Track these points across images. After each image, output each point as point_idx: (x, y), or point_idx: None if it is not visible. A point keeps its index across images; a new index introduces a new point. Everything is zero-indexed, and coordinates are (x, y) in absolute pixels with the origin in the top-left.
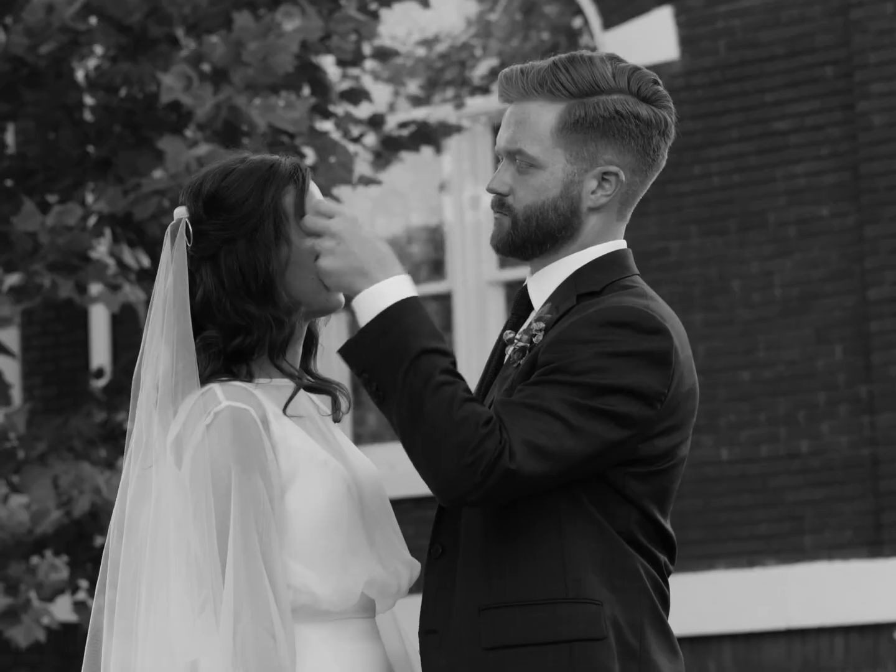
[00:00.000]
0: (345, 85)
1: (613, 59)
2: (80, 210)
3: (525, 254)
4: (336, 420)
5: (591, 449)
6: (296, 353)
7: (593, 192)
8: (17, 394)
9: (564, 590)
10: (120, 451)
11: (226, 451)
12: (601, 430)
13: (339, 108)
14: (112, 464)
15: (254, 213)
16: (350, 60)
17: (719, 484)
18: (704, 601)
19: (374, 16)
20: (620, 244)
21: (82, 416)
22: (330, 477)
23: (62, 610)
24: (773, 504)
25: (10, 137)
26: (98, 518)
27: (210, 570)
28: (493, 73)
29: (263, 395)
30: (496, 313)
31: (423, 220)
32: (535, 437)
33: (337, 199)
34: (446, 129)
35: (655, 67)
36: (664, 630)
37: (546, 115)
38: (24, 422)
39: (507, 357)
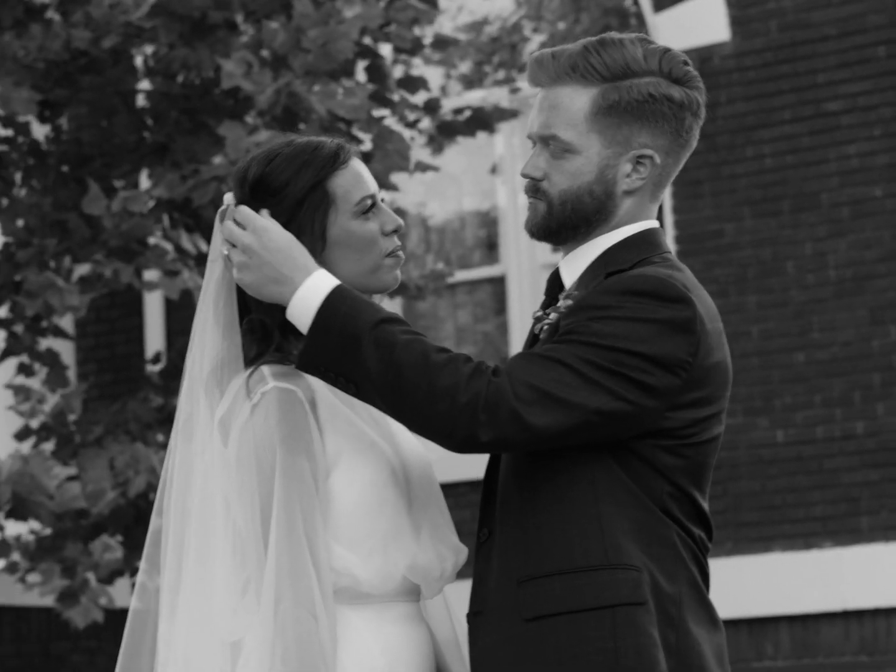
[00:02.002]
0: (399, 71)
1: (644, 40)
2: (147, 197)
3: (560, 238)
4: None
5: (608, 406)
6: None
7: (628, 176)
8: (72, 378)
9: (604, 556)
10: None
11: (271, 432)
12: (618, 388)
13: (396, 95)
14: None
15: (297, 196)
16: (409, 49)
17: (775, 466)
18: (761, 583)
19: (434, 4)
20: (651, 223)
21: (139, 400)
22: (376, 459)
23: (120, 594)
24: (829, 486)
25: (64, 121)
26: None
27: (253, 549)
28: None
29: (312, 376)
30: None
31: (476, 204)
32: (544, 384)
33: (394, 187)
34: (501, 114)
35: (707, 49)
36: (703, 601)
37: (579, 99)
38: (81, 402)
39: (538, 335)
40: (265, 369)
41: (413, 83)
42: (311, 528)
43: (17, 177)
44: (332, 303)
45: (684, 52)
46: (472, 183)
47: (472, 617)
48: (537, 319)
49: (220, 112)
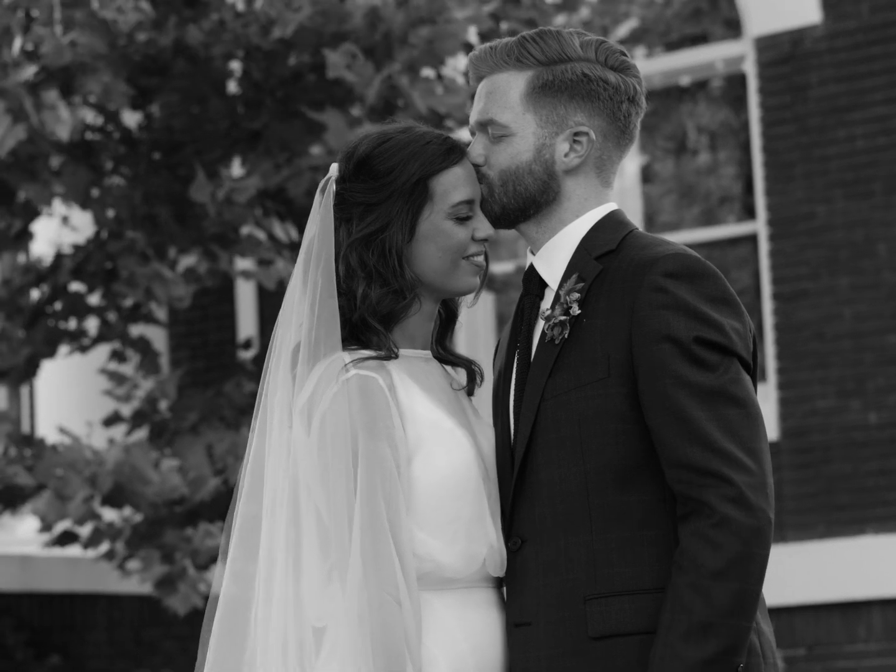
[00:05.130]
0: None
1: (581, 33)
2: (255, 187)
3: (509, 220)
4: (470, 393)
5: (752, 408)
6: (423, 327)
7: (566, 155)
8: (165, 366)
9: None
10: None
11: (353, 418)
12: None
13: None
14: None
15: (397, 187)
16: None
17: (868, 448)
18: (854, 566)
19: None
20: (612, 205)
21: (233, 386)
22: (455, 446)
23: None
24: None
25: (155, 109)
26: None
27: (337, 536)
28: (634, 36)
29: (392, 363)
30: None
31: None
32: (735, 454)
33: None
34: None
35: (798, 31)
36: (762, 597)
37: (515, 82)
38: (175, 389)
39: (543, 334)
40: (346, 356)
41: None
42: (395, 514)
43: (108, 165)
44: None
45: (776, 35)
46: None
47: (516, 627)
48: (547, 318)
49: (313, 99)
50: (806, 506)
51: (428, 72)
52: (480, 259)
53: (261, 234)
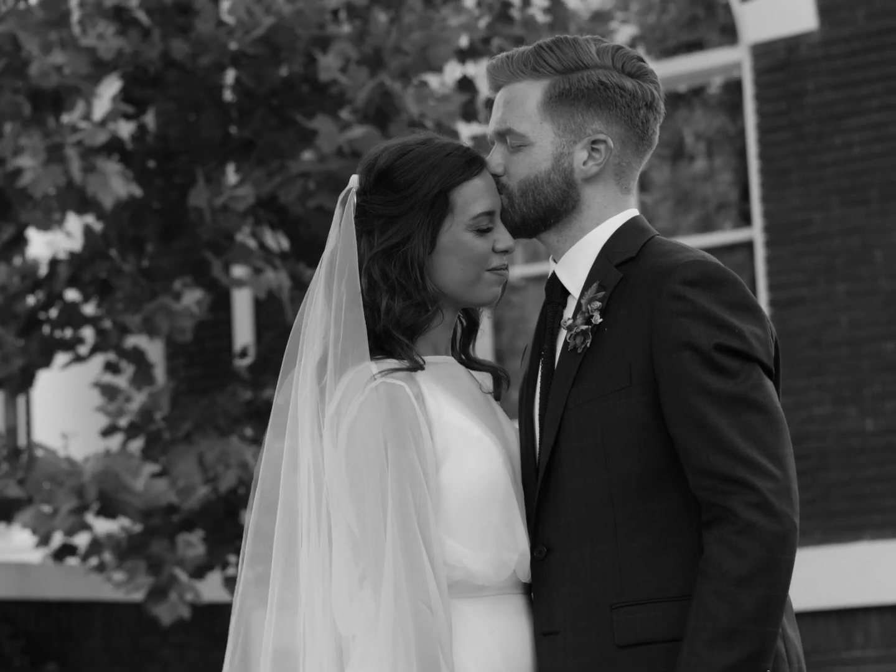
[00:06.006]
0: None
1: (598, 40)
2: (253, 196)
3: (529, 230)
4: (497, 397)
5: (775, 413)
6: (443, 335)
7: (584, 163)
8: (160, 374)
9: None
10: (265, 428)
11: (381, 427)
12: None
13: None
14: (259, 440)
15: (418, 199)
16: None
17: (864, 455)
18: (851, 573)
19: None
20: (633, 212)
21: (227, 395)
22: (484, 453)
23: (209, 589)
24: None
25: (149, 118)
26: (245, 494)
27: (367, 545)
28: (632, 44)
29: (419, 372)
30: None
31: None
32: (759, 461)
33: None
34: None
35: (794, 38)
36: (788, 602)
37: (532, 92)
38: (168, 401)
39: (566, 343)
40: (373, 366)
41: None
42: (424, 522)
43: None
44: None
45: (772, 42)
46: None
47: (544, 636)
48: (569, 328)
49: (307, 107)
50: (803, 512)
51: (423, 77)
52: (503, 271)
53: (252, 243)
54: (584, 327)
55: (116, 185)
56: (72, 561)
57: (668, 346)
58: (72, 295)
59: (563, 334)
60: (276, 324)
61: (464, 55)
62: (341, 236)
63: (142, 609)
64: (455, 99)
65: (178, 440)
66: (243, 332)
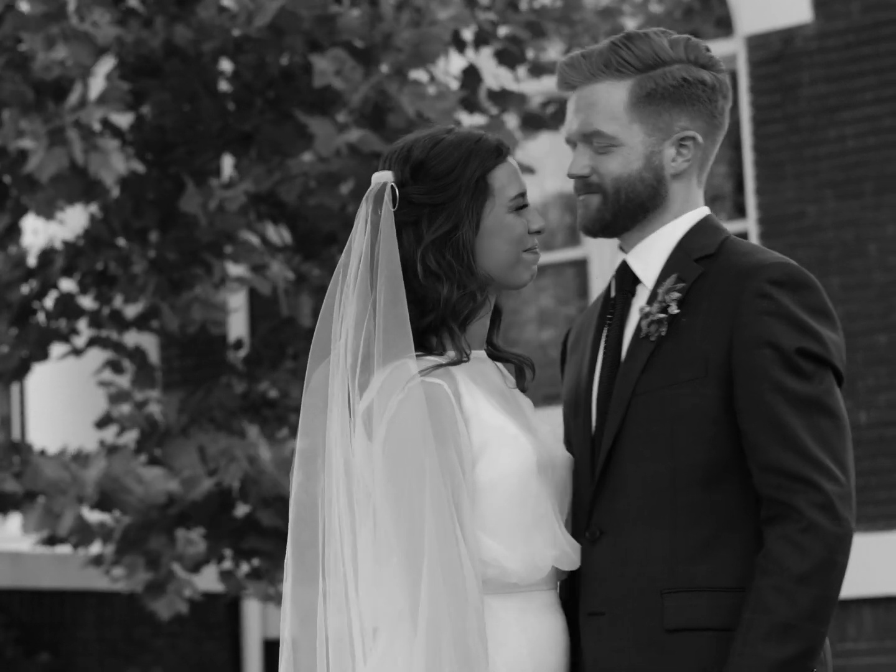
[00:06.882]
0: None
1: (665, 32)
2: (244, 196)
3: (617, 228)
4: (522, 389)
5: (843, 420)
6: (483, 326)
7: (674, 160)
8: (153, 361)
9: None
10: (260, 421)
11: (420, 426)
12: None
13: (489, 109)
14: (261, 434)
15: (458, 184)
16: (509, 63)
17: (858, 448)
18: None
19: (540, 32)
20: (706, 210)
21: (223, 387)
22: (519, 451)
23: (202, 579)
24: None
25: (146, 110)
26: (245, 488)
27: (401, 542)
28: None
29: (455, 368)
30: None
31: (559, 187)
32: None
33: None
34: None
35: (789, 31)
36: None
37: (617, 92)
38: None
39: (638, 330)
40: (410, 363)
41: (506, 98)
42: (462, 520)
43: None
44: None
45: (766, 34)
46: (555, 165)
47: (589, 616)
48: (645, 315)
49: (305, 102)
50: None
51: (418, 74)
52: (537, 249)
53: (254, 239)
54: (661, 316)
55: (116, 161)
56: (64, 547)
57: (749, 342)
58: (67, 285)
59: (632, 322)
60: (270, 315)
61: (463, 45)
62: (381, 231)
63: (135, 599)
64: (451, 96)
65: (174, 433)
66: (237, 323)
